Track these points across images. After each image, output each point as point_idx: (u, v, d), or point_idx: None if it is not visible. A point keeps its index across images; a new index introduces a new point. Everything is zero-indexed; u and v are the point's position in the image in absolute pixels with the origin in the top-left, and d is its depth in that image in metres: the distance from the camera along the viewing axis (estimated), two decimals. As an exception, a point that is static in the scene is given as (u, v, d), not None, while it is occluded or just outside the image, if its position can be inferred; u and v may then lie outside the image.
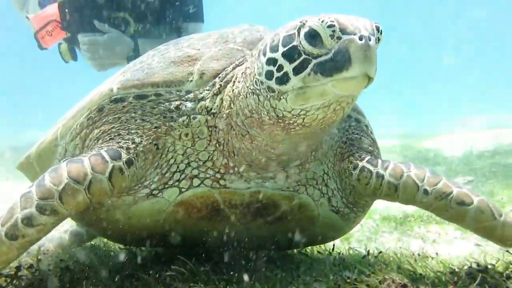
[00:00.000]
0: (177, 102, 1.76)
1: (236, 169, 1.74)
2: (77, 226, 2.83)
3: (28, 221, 1.50)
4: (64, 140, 1.96)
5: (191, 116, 1.74)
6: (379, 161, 1.87)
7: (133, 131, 1.75)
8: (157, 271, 1.78)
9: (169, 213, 1.78)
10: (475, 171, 6.82)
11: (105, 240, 2.67)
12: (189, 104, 1.75)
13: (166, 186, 1.75)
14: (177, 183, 1.75)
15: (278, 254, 2.32)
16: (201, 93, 1.76)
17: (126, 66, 2.12)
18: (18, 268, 1.76)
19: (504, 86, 32.68)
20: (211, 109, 1.73)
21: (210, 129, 1.73)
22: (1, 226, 1.54)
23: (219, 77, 1.76)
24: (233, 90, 1.68)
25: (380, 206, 4.59)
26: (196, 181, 1.75)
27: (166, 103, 1.77)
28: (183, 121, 1.74)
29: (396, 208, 4.32)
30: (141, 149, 1.71)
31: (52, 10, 4.81)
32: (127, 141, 1.72)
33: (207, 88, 1.76)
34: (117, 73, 2.02)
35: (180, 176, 1.75)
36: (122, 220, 1.83)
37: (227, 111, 1.68)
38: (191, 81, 1.78)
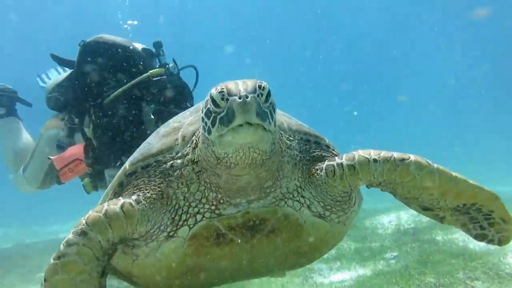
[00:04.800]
0: (171, 162, 2.19)
1: (224, 198, 2.09)
2: None
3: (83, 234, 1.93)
4: None
5: (182, 169, 2.15)
6: (336, 156, 2.29)
7: (142, 189, 2.19)
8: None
9: (187, 248, 2.16)
10: (400, 247, 7.69)
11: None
12: (179, 161, 2.18)
13: (178, 226, 2.14)
14: (185, 222, 2.13)
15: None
16: (186, 151, 2.18)
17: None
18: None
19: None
20: (194, 159, 2.12)
21: (197, 174, 2.12)
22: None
23: (195, 135, 2.17)
24: (198, 143, 2.12)
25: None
26: (199, 217, 2.13)
27: (164, 165, 2.20)
28: (177, 174, 2.16)
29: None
30: (148, 195, 2.14)
31: (76, 150, 4.95)
32: (139, 193, 2.17)
33: (189, 145, 2.18)
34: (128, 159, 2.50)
35: (186, 216, 2.14)
36: (156, 264, 2.23)
37: (198, 158, 2.12)
38: (178, 144, 2.22)
